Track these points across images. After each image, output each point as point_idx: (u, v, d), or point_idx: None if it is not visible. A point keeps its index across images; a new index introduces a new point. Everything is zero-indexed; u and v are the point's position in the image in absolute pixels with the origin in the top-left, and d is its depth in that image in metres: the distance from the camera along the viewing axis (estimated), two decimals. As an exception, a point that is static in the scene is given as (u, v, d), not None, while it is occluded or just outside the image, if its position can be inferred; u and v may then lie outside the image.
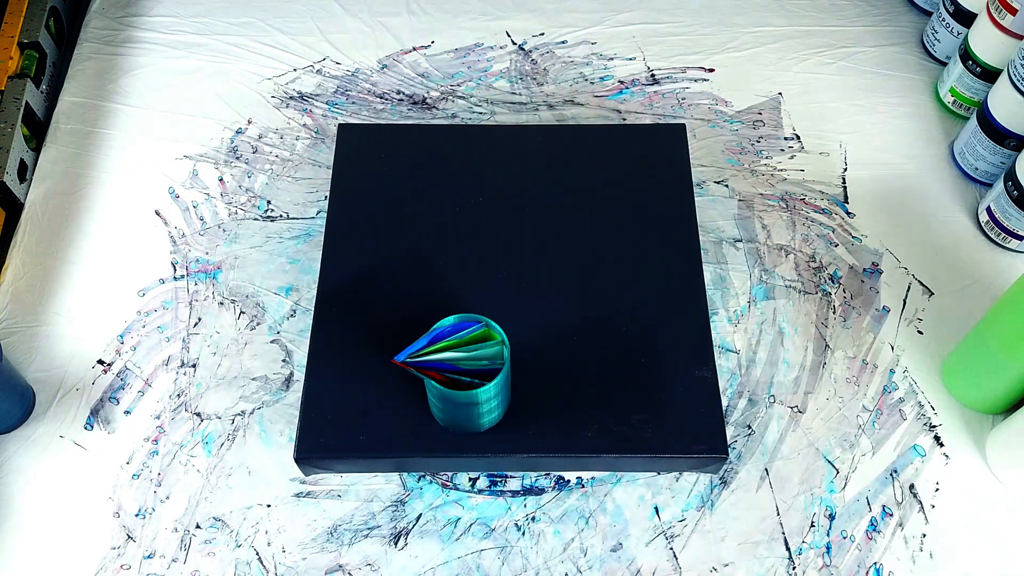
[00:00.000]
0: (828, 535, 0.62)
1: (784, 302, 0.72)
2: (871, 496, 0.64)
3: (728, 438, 0.63)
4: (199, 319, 0.71)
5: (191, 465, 0.64)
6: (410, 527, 0.62)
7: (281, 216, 0.76)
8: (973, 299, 0.73)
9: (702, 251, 0.70)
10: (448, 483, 0.64)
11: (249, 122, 0.82)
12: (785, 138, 0.83)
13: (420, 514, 0.63)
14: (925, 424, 0.67)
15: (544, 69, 0.87)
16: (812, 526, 0.63)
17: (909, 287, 0.74)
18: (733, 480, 0.64)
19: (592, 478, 0.64)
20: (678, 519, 0.63)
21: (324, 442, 0.61)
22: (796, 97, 0.85)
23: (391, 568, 0.61)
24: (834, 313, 0.72)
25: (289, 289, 0.72)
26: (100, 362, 0.69)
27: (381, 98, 0.85)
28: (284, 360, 0.69)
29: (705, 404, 0.62)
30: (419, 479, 0.64)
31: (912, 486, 0.64)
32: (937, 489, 0.64)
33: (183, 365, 0.69)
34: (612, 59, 0.88)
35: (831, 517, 0.63)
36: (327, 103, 0.84)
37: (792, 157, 0.81)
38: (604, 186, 0.72)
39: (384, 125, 0.81)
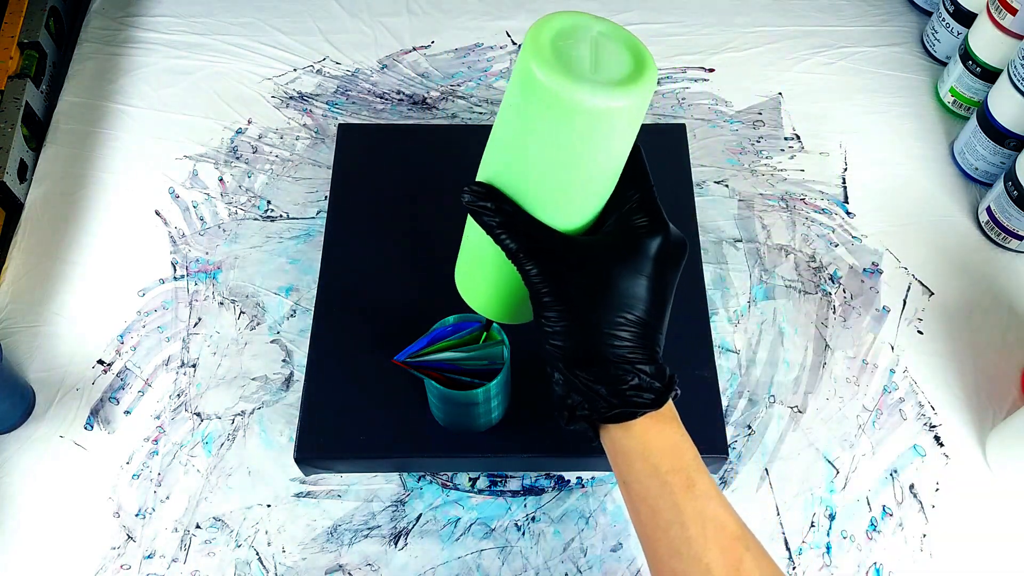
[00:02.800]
0: (828, 535, 0.62)
1: (784, 302, 0.72)
2: (871, 496, 0.64)
3: (728, 438, 0.63)
4: (199, 319, 0.71)
5: (191, 465, 0.64)
6: (410, 527, 0.62)
7: (281, 216, 0.76)
8: (973, 299, 0.73)
9: (702, 251, 0.70)
10: (448, 483, 0.64)
11: (249, 122, 0.82)
12: (785, 138, 0.83)
13: (420, 514, 0.63)
14: (925, 424, 0.67)
15: (544, 69, 0.87)
16: (812, 526, 0.63)
17: (909, 287, 0.74)
18: (733, 480, 0.64)
19: (592, 478, 0.64)
20: (678, 519, 0.63)
21: (324, 442, 0.61)
22: (796, 97, 0.85)
23: (391, 568, 0.61)
24: (834, 313, 0.72)
25: (289, 289, 0.72)
26: (100, 362, 0.69)
27: (381, 98, 0.85)
28: (284, 360, 0.69)
29: (705, 404, 0.62)
30: (419, 479, 0.64)
31: (912, 486, 0.64)
32: (937, 489, 0.64)
33: (183, 365, 0.69)
34: (612, 59, 0.88)
35: (831, 517, 0.63)
36: (327, 103, 0.84)
37: (792, 157, 0.81)
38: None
39: (384, 125, 0.81)
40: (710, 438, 0.61)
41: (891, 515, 0.63)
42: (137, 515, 0.62)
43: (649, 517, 0.44)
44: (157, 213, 0.77)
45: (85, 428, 0.66)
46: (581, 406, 0.44)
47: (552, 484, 0.64)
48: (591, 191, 0.44)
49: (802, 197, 0.79)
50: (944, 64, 0.87)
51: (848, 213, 0.78)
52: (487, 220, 0.43)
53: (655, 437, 0.44)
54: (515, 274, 0.46)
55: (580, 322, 0.43)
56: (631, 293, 0.43)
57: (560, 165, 0.42)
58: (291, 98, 0.84)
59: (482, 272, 0.48)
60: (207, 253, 0.74)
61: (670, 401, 0.45)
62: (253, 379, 0.68)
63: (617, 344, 0.43)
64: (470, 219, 0.48)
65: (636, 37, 0.41)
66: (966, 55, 0.80)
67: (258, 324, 0.71)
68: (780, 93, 0.86)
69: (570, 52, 0.39)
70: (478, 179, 0.45)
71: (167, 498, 0.63)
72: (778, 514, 0.63)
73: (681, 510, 0.42)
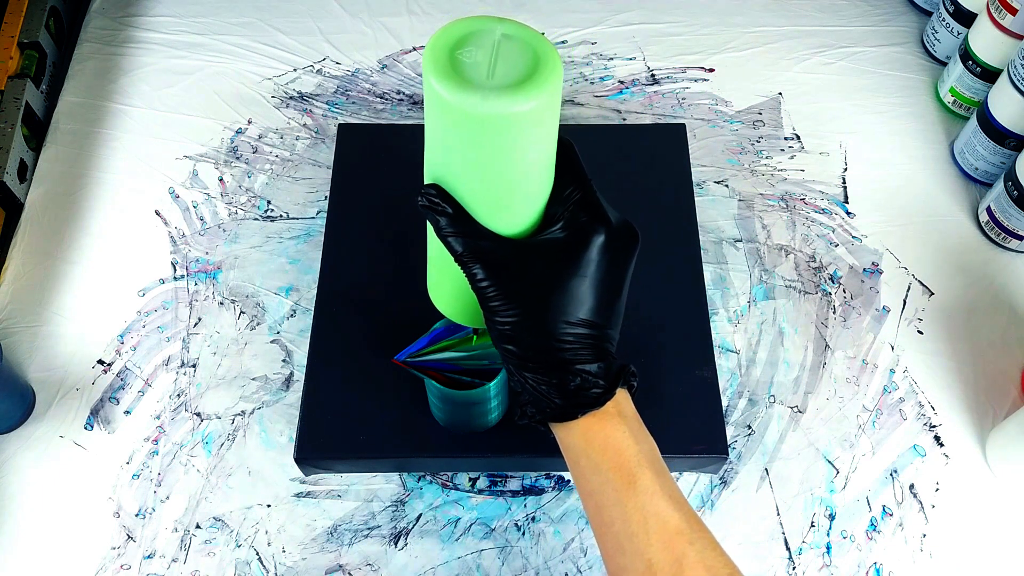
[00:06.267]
0: (828, 535, 0.62)
1: (784, 302, 0.72)
2: (871, 496, 0.64)
3: (728, 438, 0.63)
4: (199, 319, 0.71)
5: (191, 465, 0.64)
6: (410, 527, 0.62)
7: (281, 216, 0.76)
8: (973, 299, 0.73)
9: (702, 251, 0.70)
10: (448, 483, 0.64)
11: (249, 122, 0.82)
12: (785, 138, 0.83)
13: (420, 514, 0.63)
14: (925, 424, 0.67)
15: (544, 69, 0.87)
16: (812, 526, 0.63)
17: (909, 287, 0.74)
18: (733, 480, 0.64)
19: (592, 478, 0.64)
20: (678, 519, 0.63)
21: (324, 442, 0.61)
22: (796, 97, 0.85)
23: (391, 568, 0.61)
24: (834, 313, 0.72)
25: (289, 289, 0.72)
26: (100, 362, 0.69)
27: (381, 98, 0.85)
28: (284, 360, 0.69)
29: (705, 404, 0.62)
30: (419, 479, 0.64)
31: (912, 486, 0.64)
32: (937, 489, 0.64)
33: (183, 365, 0.69)
34: (612, 59, 0.88)
35: (831, 517, 0.63)
36: (327, 103, 0.84)
37: (792, 157, 0.81)
38: (604, 186, 0.72)
39: (384, 125, 0.81)
40: (710, 438, 0.61)
41: (891, 515, 0.63)
42: (137, 515, 0.62)
43: (595, 514, 0.44)
44: (157, 213, 0.77)
45: (85, 428, 0.66)
46: (529, 404, 0.45)
47: (552, 484, 0.64)
48: (520, 194, 0.43)
49: (802, 197, 0.79)
50: (944, 64, 0.87)
51: (848, 213, 0.78)
52: (434, 223, 0.43)
53: (596, 435, 0.44)
54: None
55: (526, 325, 0.43)
56: (574, 295, 0.43)
57: (480, 171, 0.41)
58: (291, 98, 0.84)
59: (445, 276, 0.49)
60: (207, 253, 0.74)
61: (619, 397, 0.45)
62: (253, 379, 0.68)
63: (560, 347, 0.43)
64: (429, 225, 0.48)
65: (542, 36, 0.40)
66: (966, 55, 0.80)
67: (258, 324, 0.71)
68: (780, 93, 0.86)
69: (467, 60, 0.39)
70: (426, 181, 0.45)
71: (167, 498, 0.63)
72: (778, 514, 0.63)
73: (623, 507, 0.43)
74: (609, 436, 0.44)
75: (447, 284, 0.49)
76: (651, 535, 0.42)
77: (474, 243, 0.43)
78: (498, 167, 0.41)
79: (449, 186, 0.43)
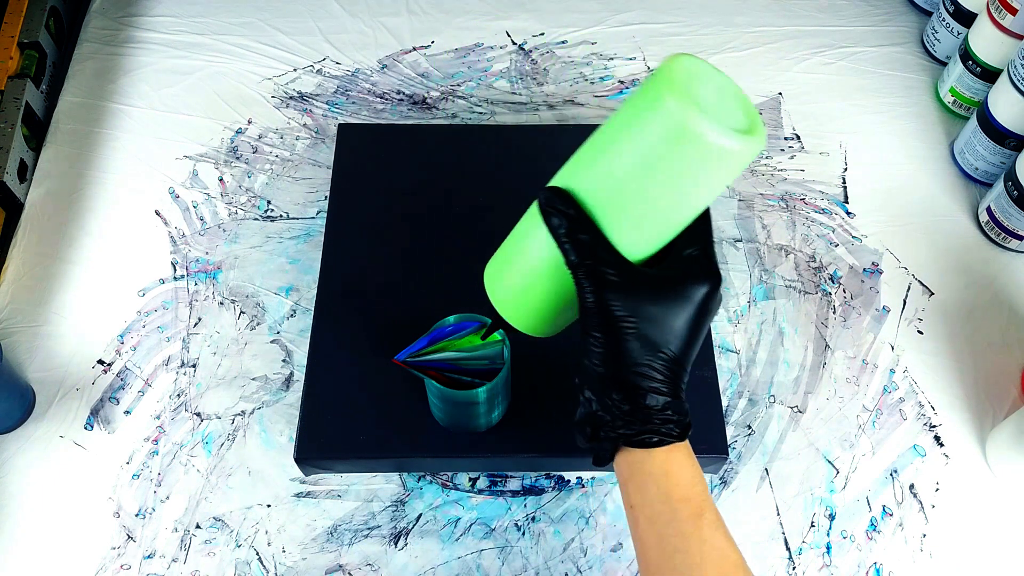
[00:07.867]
0: (828, 535, 0.62)
1: (784, 302, 0.72)
2: (871, 496, 0.64)
3: (728, 438, 0.63)
4: (199, 319, 0.71)
5: (191, 465, 0.64)
6: (410, 527, 0.62)
7: (281, 216, 0.76)
8: (973, 299, 0.73)
9: (702, 251, 0.70)
10: (448, 483, 0.64)
11: (249, 122, 0.82)
12: (785, 138, 0.83)
13: (420, 514, 0.63)
14: (925, 424, 0.67)
15: (544, 69, 0.87)
16: (812, 526, 0.63)
17: (909, 287, 0.74)
18: (733, 480, 0.64)
19: (592, 478, 0.64)
20: (678, 519, 0.63)
21: (324, 442, 0.61)
22: (796, 97, 0.85)
23: (391, 568, 0.61)
24: (834, 313, 0.72)
25: (289, 289, 0.72)
26: (100, 362, 0.69)
27: (381, 98, 0.85)
28: (284, 360, 0.69)
29: (705, 404, 0.62)
30: (419, 479, 0.64)
31: (912, 486, 0.64)
32: (937, 489, 0.64)
33: (183, 365, 0.69)
34: (612, 59, 0.88)
35: (831, 517, 0.63)
36: (327, 103, 0.84)
37: (792, 157, 0.81)
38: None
39: (384, 125, 0.81)
40: (710, 438, 0.61)
41: (891, 515, 0.63)
42: (137, 515, 0.62)
43: (656, 542, 0.45)
44: (157, 213, 0.77)
45: (85, 428, 0.66)
46: (610, 426, 0.46)
47: (552, 484, 0.64)
48: (668, 225, 0.45)
49: (802, 197, 0.79)
50: (944, 64, 0.87)
51: (848, 213, 0.78)
52: (554, 224, 0.45)
53: (673, 465, 0.46)
54: (559, 290, 0.47)
55: (623, 349, 0.44)
56: (672, 330, 0.45)
57: (654, 193, 0.43)
58: (291, 98, 0.84)
59: (525, 280, 0.49)
60: (207, 253, 0.74)
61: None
62: (253, 379, 0.68)
63: (652, 375, 0.45)
64: (526, 222, 0.49)
65: (748, 98, 0.43)
66: (966, 55, 0.80)
67: (258, 324, 0.71)
68: (780, 93, 0.86)
69: (699, 91, 0.41)
70: (553, 184, 0.47)
71: (167, 498, 0.63)
72: (778, 514, 0.63)
73: (687, 537, 0.44)
74: (685, 469, 0.46)
75: (521, 287, 0.50)
76: (709, 566, 0.44)
77: (595, 256, 0.44)
78: (676, 194, 0.43)
79: (588, 196, 0.45)
